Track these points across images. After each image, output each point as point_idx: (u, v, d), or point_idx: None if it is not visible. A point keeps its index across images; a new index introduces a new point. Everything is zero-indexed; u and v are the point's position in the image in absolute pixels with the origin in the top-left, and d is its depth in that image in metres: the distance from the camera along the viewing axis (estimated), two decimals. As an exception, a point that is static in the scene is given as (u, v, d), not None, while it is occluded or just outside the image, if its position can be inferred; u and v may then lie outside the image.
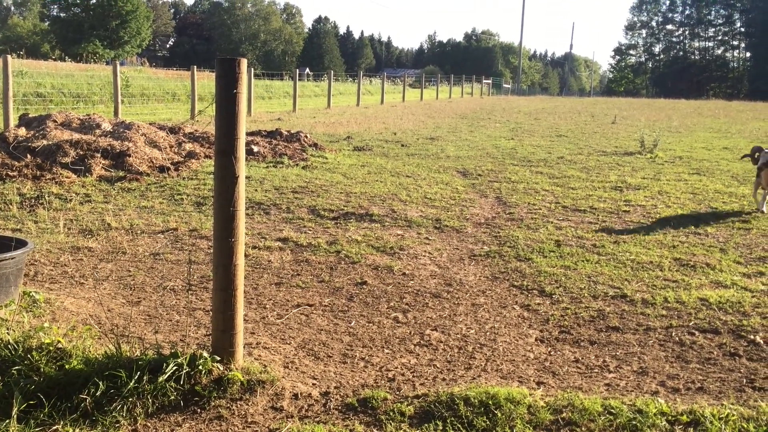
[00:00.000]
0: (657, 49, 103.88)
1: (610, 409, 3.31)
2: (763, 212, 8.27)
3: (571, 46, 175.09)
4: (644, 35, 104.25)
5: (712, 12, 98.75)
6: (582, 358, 4.17)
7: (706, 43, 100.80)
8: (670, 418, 3.28)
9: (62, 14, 73.87)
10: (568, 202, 9.06)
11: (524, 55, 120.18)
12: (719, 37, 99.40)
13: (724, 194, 9.86)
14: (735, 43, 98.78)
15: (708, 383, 3.83)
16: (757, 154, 8.67)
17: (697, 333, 4.58)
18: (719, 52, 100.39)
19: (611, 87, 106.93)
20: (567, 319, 4.81)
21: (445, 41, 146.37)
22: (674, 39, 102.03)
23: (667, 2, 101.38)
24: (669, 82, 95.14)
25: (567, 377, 3.89)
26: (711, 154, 15.21)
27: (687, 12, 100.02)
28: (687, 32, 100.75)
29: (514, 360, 4.13)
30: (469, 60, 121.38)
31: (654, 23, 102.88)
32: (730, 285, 5.58)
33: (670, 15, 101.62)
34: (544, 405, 3.34)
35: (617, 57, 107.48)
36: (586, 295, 5.32)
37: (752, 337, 4.49)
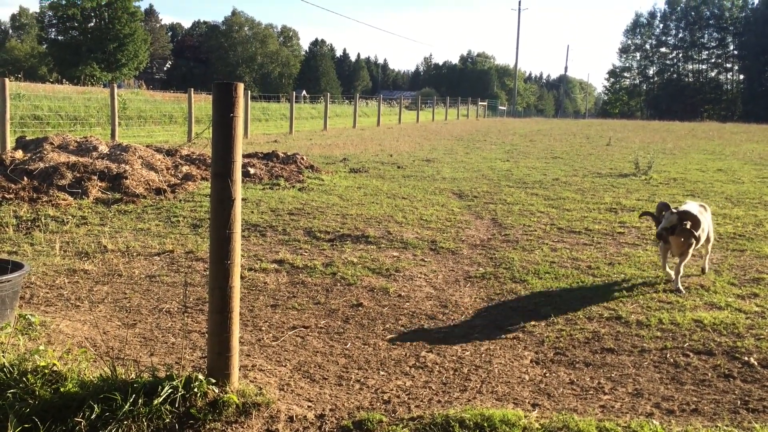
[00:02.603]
0: (651, 71, 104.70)
1: (605, 431, 3.32)
2: (680, 291, 5.97)
3: (566, 68, 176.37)
4: (638, 58, 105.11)
5: (706, 35, 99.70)
6: (577, 380, 4.18)
7: (700, 65, 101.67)
8: (664, 439, 3.28)
9: (60, 37, 74.26)
10: (563, 224, 9.10)
11: (520, 77, 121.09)
12: (713, 60, 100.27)
13: (718, 216, 9.90)
14: (728, 65, 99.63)
15: (703, 405, 3.84)
16: (663, 212, 6.13)
17: (691, 354, 4.59)
18: (713, 74, 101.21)
19: (606, 109, 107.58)
20: (562, 341, 4.82)
21: (441, 63, 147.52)
22: (668, 62, 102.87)
23: (661, 25, 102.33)
24: (663, 104, 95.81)
25: (562, 399, 3.90)
26: (705, 176, 15.30)
27: (680, 35, 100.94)
28: (681, 55, 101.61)
29: (509, 382, 4.14)
30: (464, 82, 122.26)
31: (648, 46, 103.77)
32: (725, 306, 5.60)
33: (663, 38, 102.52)
34: (539, 427, 3.35)
35: (612, 79, 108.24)
36: (581, 316, 5.33)
37: (746, 358, 4.51)
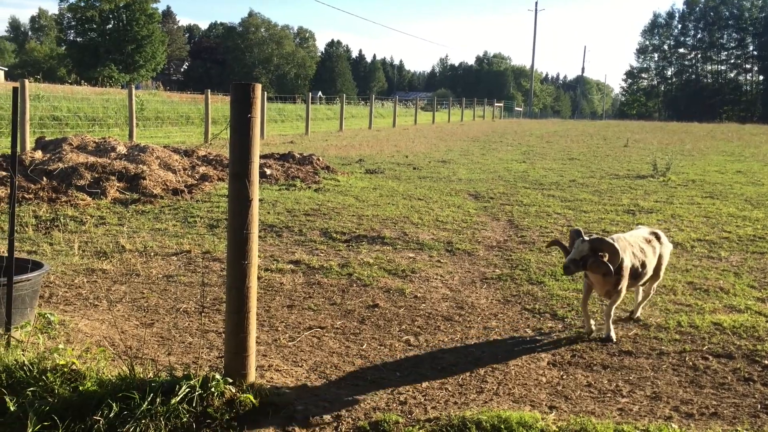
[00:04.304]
0: (669, 72, 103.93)
1: (623, 434, 3.29)
2: (611, 340, 4.81)
3: (583, 69, 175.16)
4: (656, 59, 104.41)
5: (725, 35, 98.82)
6: (594, 383, 4.15)
7: (719, 66, 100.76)
8: (683, 443, 3.25)
9: (79, 39, 75.03)
10: (580, 226, 9.04)
11: (536, 78, 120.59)
12: (732, 61, 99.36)
13: (737, 218, 9.81)
14: (748, 66, 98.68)
15: (722, 408, 3.80)
16: (577, 240, 4.77)
17: (710, 358, 4.54)
18: (732, 75, 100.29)
19: (623, 110, 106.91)
20: (579, 343, 4.79)
21: (456, 64, 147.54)
22: (686, 62, 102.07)
23: (679, 26, 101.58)
24: (681, 105, 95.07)
25: (579, 402, 3.87)
26: (724, 178, 15.16)
27: (699, 36, 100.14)
28: (699, 56, 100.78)
29: (526, 384, 4.12)
30: (480, 83, 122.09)
31: (666, 47, 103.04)
32: (744, 309, 5.54)
33: (682, 38, 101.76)
34: (557, 429, 3.33)
35: (629, 80, 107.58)
36: (598, 319, 5.30)
37: (767, 362, 4.46)
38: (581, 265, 4.62)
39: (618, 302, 4.89)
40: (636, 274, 4.92)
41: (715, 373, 4.30)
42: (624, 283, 4.79)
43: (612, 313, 4.88)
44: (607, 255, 4.58)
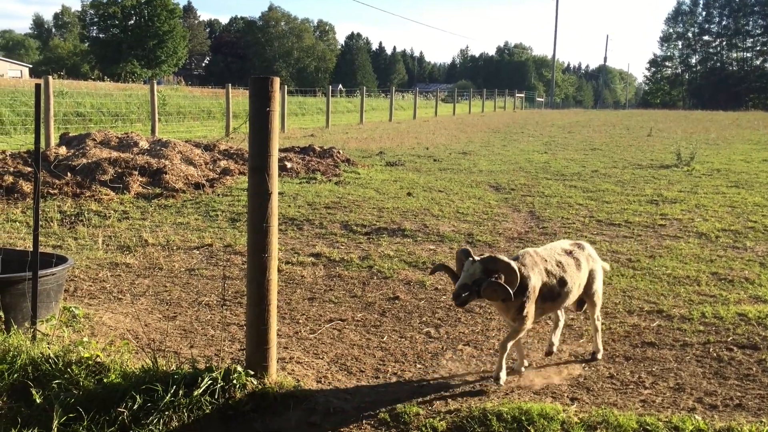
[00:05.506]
0: (693, 60, 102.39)
1: (645, 426, 3.27)
2: (498, 381, 3.91)
3: (606, 58, 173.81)
4: (680, 47, 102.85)
5: (750, 22, 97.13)
6: (617, 374, 4.12)
7: (745, 53, 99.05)
8: (707, 435, 3.22)
9: (101, 35, 75.71)
10: (602, 216, 8.97)
11: (558, 68, 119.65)
12: (758, 48, 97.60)
13: (763, 207, 9.67)
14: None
15: (747, 400, 3.76)
16: (466, 261, 3.83)
17: (735, 349, 4.49)
18: (758, 62, 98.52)
19: (647, 99, 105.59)
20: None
21: (477, 55, 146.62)
22: (711, 50, 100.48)
23: (704, 13, 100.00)
24: (706, 93, 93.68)
25: (601, 393, 3.85)
26: (750, 167, 14.94)
27: (724, 23, 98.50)
28: (724, 43, 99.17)
29: (547, 375, 4.10)
30: (501, 74, 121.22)
31: (690, 34, 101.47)
32: (770, 300, 5.46)
33: (706, 26, 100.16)
34: (578, 421, 3.31)
35: (653, 69, 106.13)
36: (621, 310, 5.26)
37: (793, 353, 4.40)
38: (475, 292, 3.73)
39: (522, 332, 3.95)
40: (552, 295, 4.03)
41: (739, 364, 4.25)
42: (530, 307, 3.90)
43: (508, 347, 3.92)
44: (503, 276, 3.75)
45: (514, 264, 3.79)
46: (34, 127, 4.20)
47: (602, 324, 4.93)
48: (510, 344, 3.95)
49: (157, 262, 6.47)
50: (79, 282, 5.79)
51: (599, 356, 4.36)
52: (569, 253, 4.20)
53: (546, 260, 4.07)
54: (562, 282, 4.05)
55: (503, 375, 3.91)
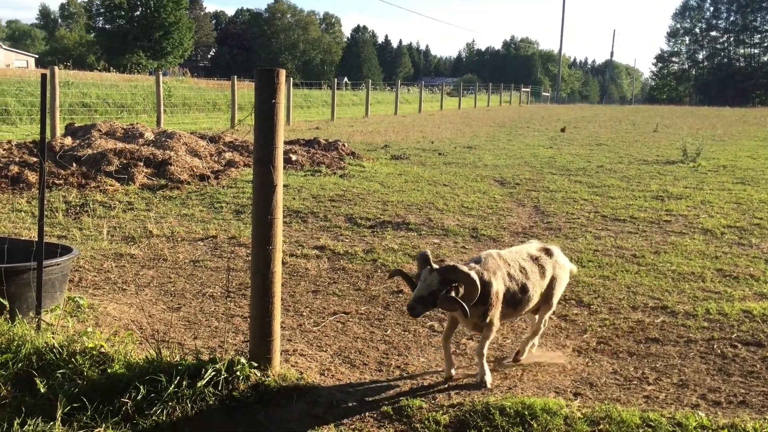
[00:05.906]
0: (700, 56, 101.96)
1: (648, 421, 3.26)
2: (485, 384, 3.83)
3: (612, 53, 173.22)
4: (687, 42, 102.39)
5: (758, 18, 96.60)
6: (620, 370, 4.12)
7: (752, 49, 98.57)
8: (710, 431, 3.22)
9: (107, 26, 75.69)
10: (607, 212, 8.95)
11: (564, 62, 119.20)
12: (765, 44, 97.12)
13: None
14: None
15: (750, 397, 3.75)
16: (424, 270, 3.69)
17: (739, 345, 4.48)
18: (765, 59, 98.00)
19: (653, 95, 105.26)
20: (605, 330, 4.76)
21: (483, 49, 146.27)
22: (718, 46, 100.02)
23: (711, 9, 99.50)
24: (713, 89, 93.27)
25: (605, 389, 3.85)
26: (756, 163, 14.88)
27: (732, 18, 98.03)
28: (732, 39, 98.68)
29: (550, 370, 4.10)
30: (508, 68, 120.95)
31: (697, 30, 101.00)
32: (775, 297, 5.45)
33: (714, 21, 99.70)
34: (581, 416, 3.31)
35: (659, 64, 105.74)
36: (625, 306, 5.25)
37: (797, 350, 4.38)
38: (431, 303, 3.59)
39: (491, 337, 3.89)
40: (514, 302, 3.91)
41: (743, 361, 4.24)
42: (495, 313, 3.81)
43: (485, 351, 3.88)
44: (463, 287, 3.62)
45: (474, 275, 3.62)
46: (40, 117, 4.21)
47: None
48: (486, 349, 3.88)
49: (162, 253, 6.48)
50: (83, 272, 5.81)
51: (521, 358, 4.20)
52: (535, 259, 4.08)
53: (510, 264, 3.95)
54: (524, 289, 3.94)
55: (488, 378, 3.86)
